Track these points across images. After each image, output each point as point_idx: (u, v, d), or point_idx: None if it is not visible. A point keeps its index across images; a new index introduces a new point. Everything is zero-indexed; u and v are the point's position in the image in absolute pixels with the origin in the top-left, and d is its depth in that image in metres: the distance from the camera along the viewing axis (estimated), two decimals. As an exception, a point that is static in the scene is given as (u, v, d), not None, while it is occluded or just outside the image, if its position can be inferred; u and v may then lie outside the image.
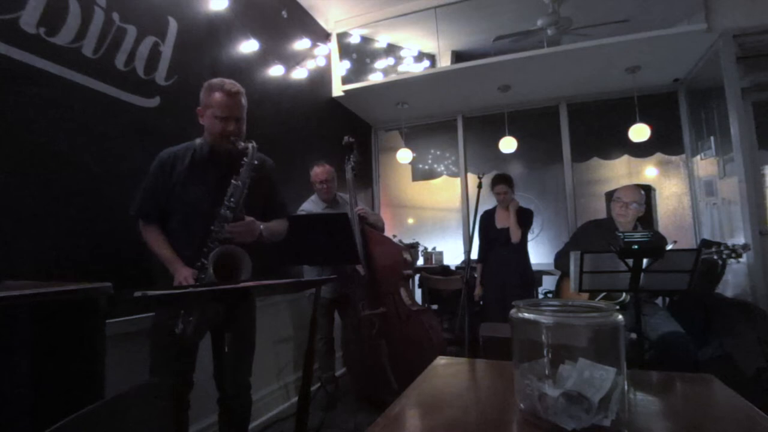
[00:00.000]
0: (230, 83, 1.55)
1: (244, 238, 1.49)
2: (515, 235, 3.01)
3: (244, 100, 1.58)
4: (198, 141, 1.62)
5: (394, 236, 4.28)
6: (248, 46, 2.69)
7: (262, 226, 1.57)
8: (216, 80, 1.56)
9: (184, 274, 1.45)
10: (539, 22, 3.43)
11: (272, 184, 1.76)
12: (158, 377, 1.47)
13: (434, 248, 4.56)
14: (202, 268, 1.44)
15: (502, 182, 3.10)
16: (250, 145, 1.50)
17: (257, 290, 1.74)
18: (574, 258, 1.80)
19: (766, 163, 3.16)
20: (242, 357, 1.65)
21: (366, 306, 2.61)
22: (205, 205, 1.49)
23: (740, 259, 2.10)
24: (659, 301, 2.57)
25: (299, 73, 3.29)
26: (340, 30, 3.88)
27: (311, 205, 2.86)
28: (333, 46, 3.88)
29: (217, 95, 1.52)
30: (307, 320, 2.30)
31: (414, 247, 4.33)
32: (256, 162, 1.50)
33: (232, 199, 1.46)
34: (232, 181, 1.46)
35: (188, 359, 1.55)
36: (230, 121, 1.53)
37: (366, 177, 4.81)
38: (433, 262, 4.45)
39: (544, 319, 0.76)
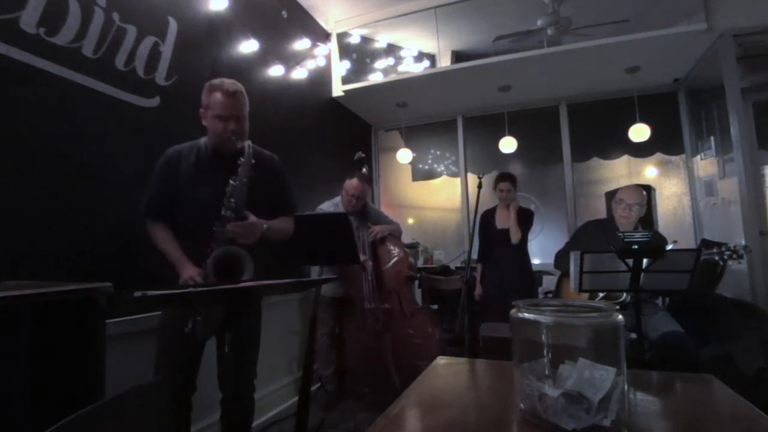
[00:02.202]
0: (230, 83, 1.56)
1: (246, 239, 1.49)
2: (515, 236, 3.01)
3: (244, 99, 1.59)
4: (203, 140, 1.64)
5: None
6: (248, 46, 2.69)
7: (265, 225, 1.57)
8: (216, 81, 1.57)
9: (189, 273, 1.45)
10: (539, 22, 3.43)
11: (279, 180, 1.76)
12: (162, 377, 1.47)
13: (434, 248, 4.57)
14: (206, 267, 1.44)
15: (506, 179, 3.11)
16: (246, 144, 1.51)
17: (258, 290, 1.74)
18: (574, 258, 1.80)
19: (766, 163, 3.15)
20: (246, 359, 1.64)
21: (372, 301, 2.70)
22: (211, 203, 1.49)
23: (741, 261, 2.10)
24: (659, 301, 2.57)
25: (299, 73, 3.29)
26: (340, 30, 3.87)
27: (331, 207, 2.89)
28: (333, 46, 3.88)
29: (217, 95, 1.53)
30: (308, 319, 2.32)
31: (414, 247, 4.33)
32: (253, 161, 1.51)
33: (232, 200, 1.47)
34: (230, 181, 1.47)
35: (193, 361, 1.55)
36: (230, 121, 1.54)
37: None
38: (433, 262, 4.45)
39: (544, 319, 0.76)
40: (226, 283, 1.40)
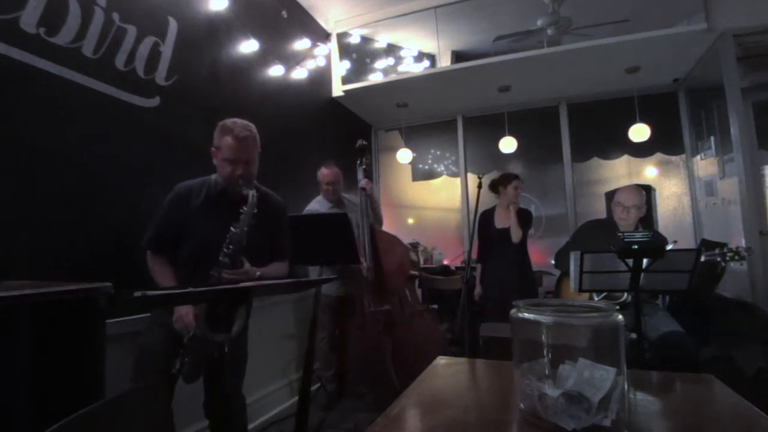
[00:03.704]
0: (241, 126, 1.55)
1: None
2: (516, 235, 3.00)
3: (255, 142, 1.59)
4: (213, 177, 1.65)
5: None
6: (248, 46, 2.69)
7: (258, 273, 1.56)
8: (229, 122, 1.57)
9: (183, 311, 1.45)
10: (539, 22, 3.43)
11: (281, 226, 1.76)
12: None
13: (434, 248, 4.57)
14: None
15: (516, 178, 3.10)
16: (250, 193, 1.50)
17: (256, 291, 1.74)
18: (574, 258, 1.80)
19: (766, 163, 3.15)
20: (235, 369, 1.63)
21: (372, 303, 2.67)
22: (215, 241, 1.49)
23: (743, 262, 2.10)
24: (659, 301, 2.57)
25: (299, 73, 3.29)
26: (340, 30, 3.87)
27: (317, 205, 2.89)
28: (333, 46, 3.88)
29: (228, 139, 1.53)
30: (308, 319, 2.32)
31: (414, 247, 4.33)
32: (255, 211, 1.50)
33: (230, 246, 1.46)
34: (231, 228, 1.47)
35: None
36: (238, 165, 1.54)
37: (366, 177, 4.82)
38: (433, 262, 4.45)
39: (544, 319, 0.76)
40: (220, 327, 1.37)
